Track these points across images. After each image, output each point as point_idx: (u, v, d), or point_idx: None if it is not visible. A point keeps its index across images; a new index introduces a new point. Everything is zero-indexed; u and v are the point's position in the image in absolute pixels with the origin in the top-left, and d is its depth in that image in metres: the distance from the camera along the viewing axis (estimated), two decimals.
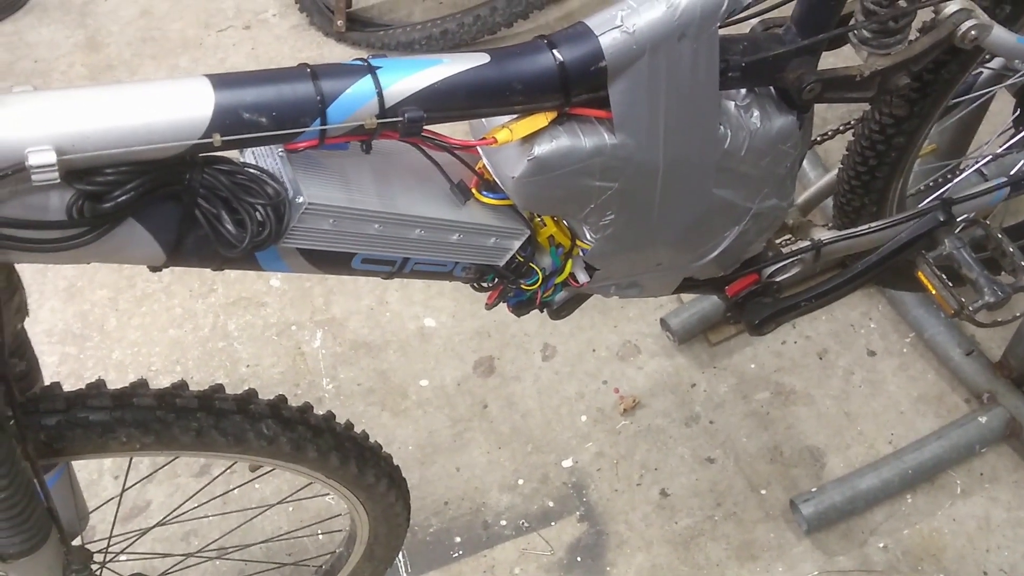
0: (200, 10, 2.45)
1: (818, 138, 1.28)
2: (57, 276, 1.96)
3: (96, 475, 1.67)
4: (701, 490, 1.65)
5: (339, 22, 2.25)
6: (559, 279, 1.00)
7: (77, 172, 0.67)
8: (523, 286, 0.97)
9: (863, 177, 1.22)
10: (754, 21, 1.00)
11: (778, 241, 1.31)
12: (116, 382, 1.76)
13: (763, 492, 1.64)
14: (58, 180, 0.65)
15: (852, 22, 0.98)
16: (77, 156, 0.66)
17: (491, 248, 0.92)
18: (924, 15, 1.00)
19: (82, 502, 1.12)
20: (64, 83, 2.32)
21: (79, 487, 1.12)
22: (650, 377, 1.78)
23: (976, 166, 1.33)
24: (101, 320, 1.92)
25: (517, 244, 0.93)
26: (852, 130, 1.26)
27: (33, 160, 0.63)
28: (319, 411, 1.60)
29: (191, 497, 1.41)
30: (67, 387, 1.72)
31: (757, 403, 1.74)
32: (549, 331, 1.83)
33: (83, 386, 0.92)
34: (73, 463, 1.07)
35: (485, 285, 1.00)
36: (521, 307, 1.03)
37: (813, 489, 1.60)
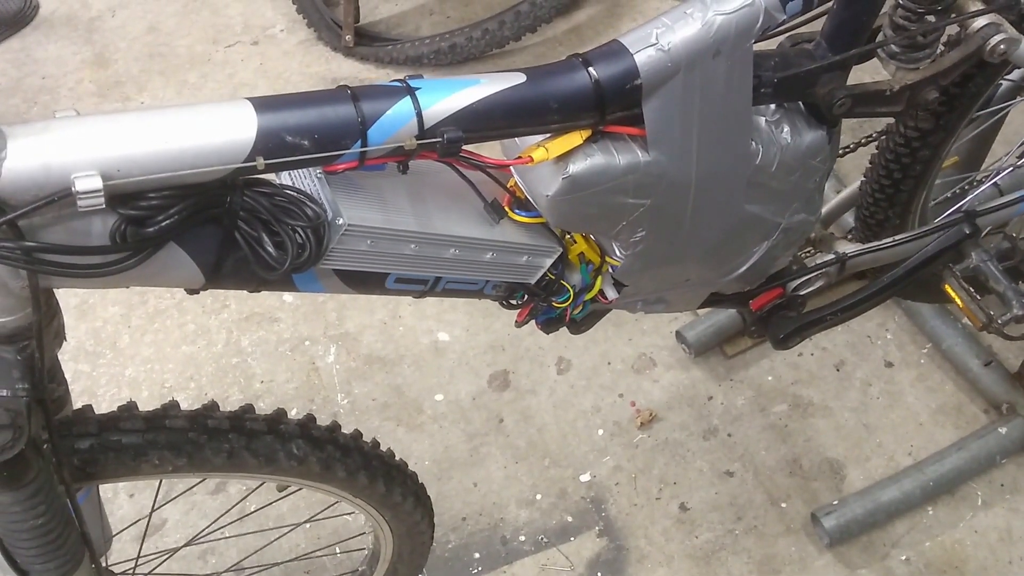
0: (208, 26, 2.45)
1: (840, 151, 1.28)
2: (68, 293, 1.95)
3: (112, 494, 1.67)
4: (721, 504, 1.64)
5: (347, 37, 2.25)
6: (589, 296, 1.00)
7: (121, 197, 0.67)
8: (554, 303, 0.96)
9: (887, 190, 1.22)
10: (782, 36, 1.00)
11: (801, 254, 1.31)
12: (131, 400, 1.74)
13: (783, 505, 1.64)
14: (104, 206, 0.64)
15: (880, 37, 0.98)
16: (123, 181, 0.65)
17: (523, 266, 0.92)
18: (950, 29, 1.00)
19: (107, 524, 1.12)
20: (72, 100, 2.32)
21: (104, 509, 1.12)
22: (666, 390, 1.78)
23: (996, 178, 1.33)
24: (114, 337, 1.91)
25: (549, 262, 0.93)
26: (874, 143, 1.26)
27: (79, 186, 0.63)
28: None
29: (216, 520, 1.40)
30: (79, 405, 1.71)
31: (775, 416, 1.74)
32: (564, 344, 1.82)
33: (115, 408, 0.92)
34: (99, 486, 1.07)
35: (515, 303, 1.00)
36: (550, 324, 1.02)
37: (834, 502, 1.59)
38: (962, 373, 1.73)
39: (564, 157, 0.84)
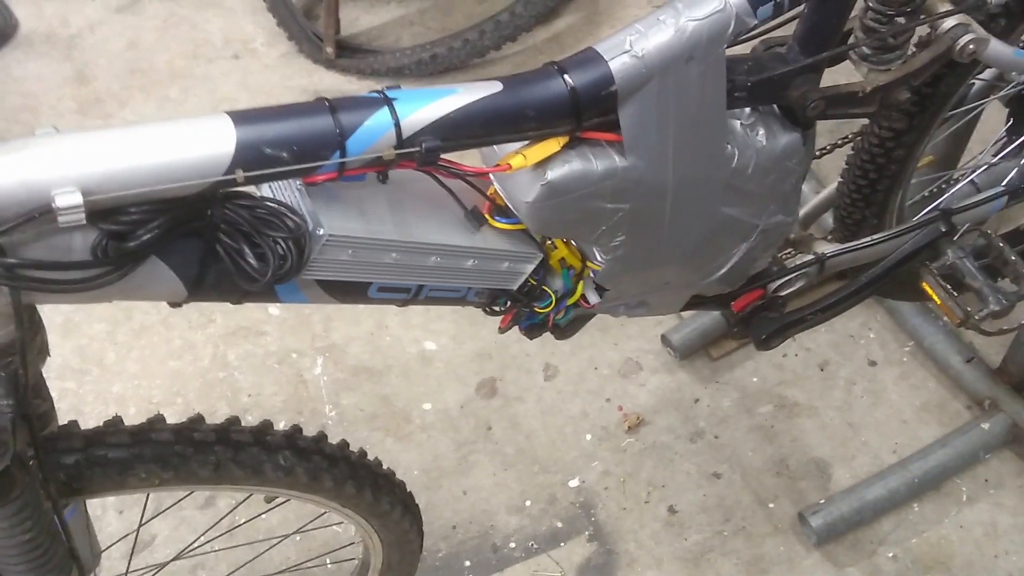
0: (187, 40, 2.45)
1: (817, 152, 1.30)
2: (54, 311, 1.95)
3: (100, 511, 1.66)
4: (709, 506, 1.65)
5: (328, 49, 2.26)
6: (571, 301, 1.00)
7: (101, 212, 0.68)
8: (536, 309, 0.97)
9: (864, 190, 1.24)
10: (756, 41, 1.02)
11: (781, 255, 1.32)
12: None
13: (771, 506, 1.65)
14: (84, 221, 0.65)
15: (852, 39, 1.00)
16: (102, 197, 0.66)
17: (505, 272, 0.93)
18: (921, 30, 1.01)
19: (95, 540, 1.12)
20: (54, 117, 2.32)
21: (92, 524, 1.12)
22: (653, 394, 1.79)
23: (971, 176, 1.35)
24: (100, 354, 1.91)
25: (530, 268, 0.94)
26: (850, 144, 1.27)
27: (59, 202, 0.63)
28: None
29: (204, 532, 1.40)
30: (65, 422, 1.70)
31: (761, 417, 1.75)
32: (550, 351, 1.83)
33: (101, 423, 0.92)
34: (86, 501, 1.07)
35: (498, 309, 1.00)
36: (533, 330, 1.03)
37: (821, 501, 1.60)
38: (944, 370, 1.75)
39: (542, 164, 0.84)
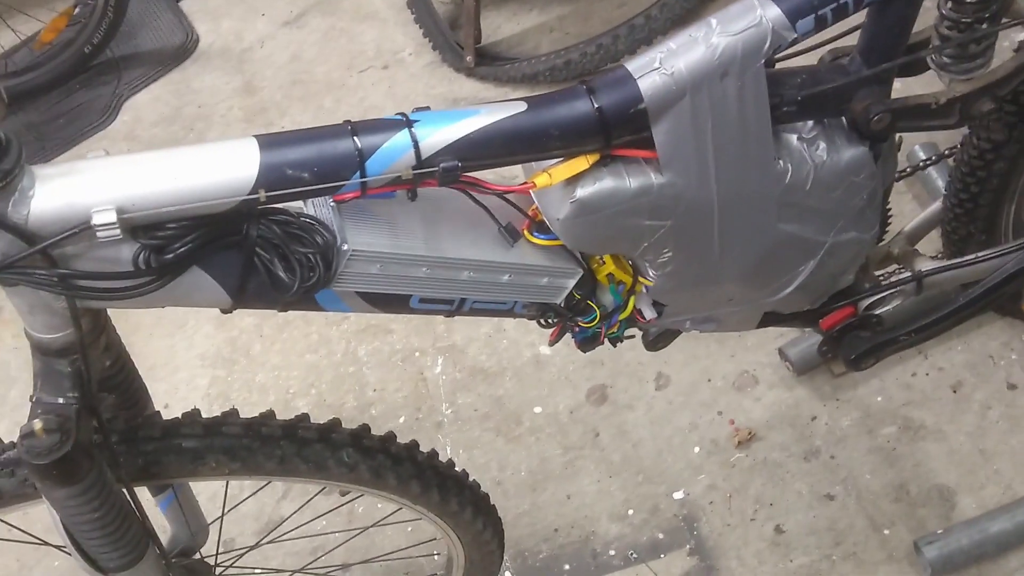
0: (344, 52, 2.59)
1: (920, 164, 1.22)
2: None
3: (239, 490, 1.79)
4: (819, 528, 1.59)
5: (468, 58, 2.32)
6: (623, 316, 1.00)
7: (141, 227, 0.75)
8: (581, 323, 0.98)
9: (966, 205, 1.16)
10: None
11: (881, 273, 1.25)
12: (259, 403, 1.88)
13: (886, 532, 1.56)
14: (120, 236, 0.73)
15: (929, 47, 0.94)
16: (137, 214, 0.73)
17: (545, 287, 0.94)
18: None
19: (199, 519, 1.22)
20: (223, 126, 2.52)
21: (197, 505, 1.22)
22: (768, 409, 1.73)
23: None
24: (247, 345, 2.06)
25: (571, 283, 0.95)
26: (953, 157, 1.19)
27: (97, 219, 0.71)
28: (440, 435, 1.66)
29: (309, 522, 1.49)
30: (216, 407, 1.85)
31: (883, 438, 1.66)
32: (663, 360, 1.81)
33: (179, 415, 1.01)
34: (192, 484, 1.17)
35: (550, 321, 1.02)
36: (587, 343, 1.04)
37: (939, 531, 1.50)
38: None
39: (573, 181, 0.85)
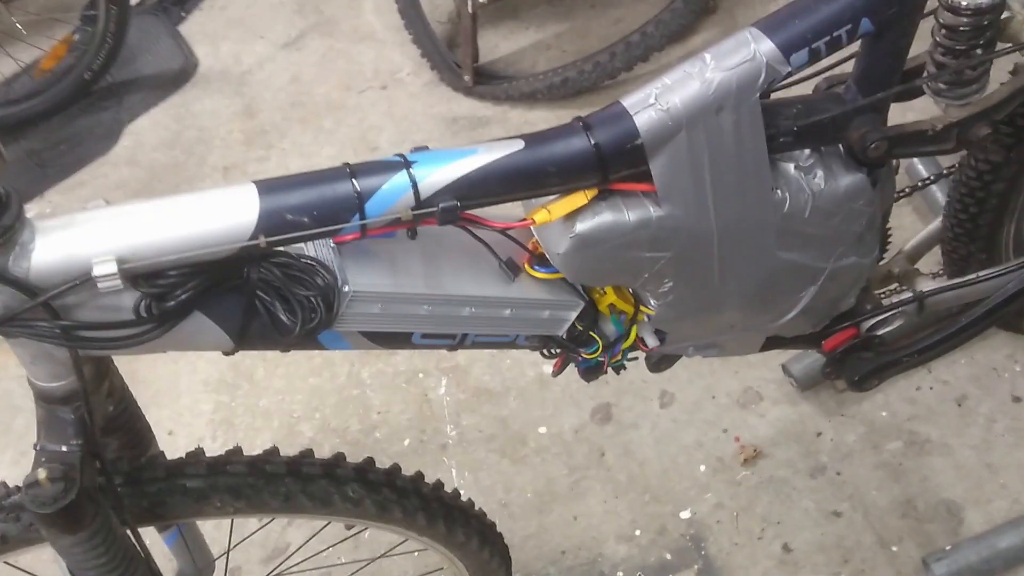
0: (343, 73, 2.60)
1: (919, 183, 1.22)
2: None
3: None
4: (827, 545, 1.58)
5: (466, 77, 2.33)
6: (625, 345, 1.01)
7: (142, 276, 0.75)
8: (584, 355, 0.98)
9: (965, 225, 1.16)
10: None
11: (881, 292, 1.25)
12: (262, 428, 1.87)
13: (894, 549, 1.56)
14: (121, 286, 0.73)
15: (925, 74, 0.94)
16: (138, 264, 0.74)
17: (546, 320, 0.94)
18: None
19: (205, 554, 1.22)
20: (223, 149, 2.52)
21: (202, 540, 1.22)
22: (773, 425, 1.73)
23: None
24: (251, 370, 2.06)
25: (573, 315, 0.95)
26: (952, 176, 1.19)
27: (97, 271, 0.72)
28: (445, 457, 1.65)
29: (315, 555, 1.49)
30: (220, 433, 1.84)
31: (889, 453, 1.66)
32: (667, 378, 1.81)
33: (183, 455, 1.01)
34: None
35: (553, 352, 1.02)
36: (590, 372, 1.04)
37: (947, 547, 1.50)
38: None
39: (572, 216, 0.86)
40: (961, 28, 0.88)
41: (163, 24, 2.89)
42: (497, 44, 2.52)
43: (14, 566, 1.08)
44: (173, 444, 1.90)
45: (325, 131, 2.47)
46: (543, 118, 2.33)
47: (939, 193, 1.73)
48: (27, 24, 2.75)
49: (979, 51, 0.90)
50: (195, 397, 2.05)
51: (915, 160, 1.78)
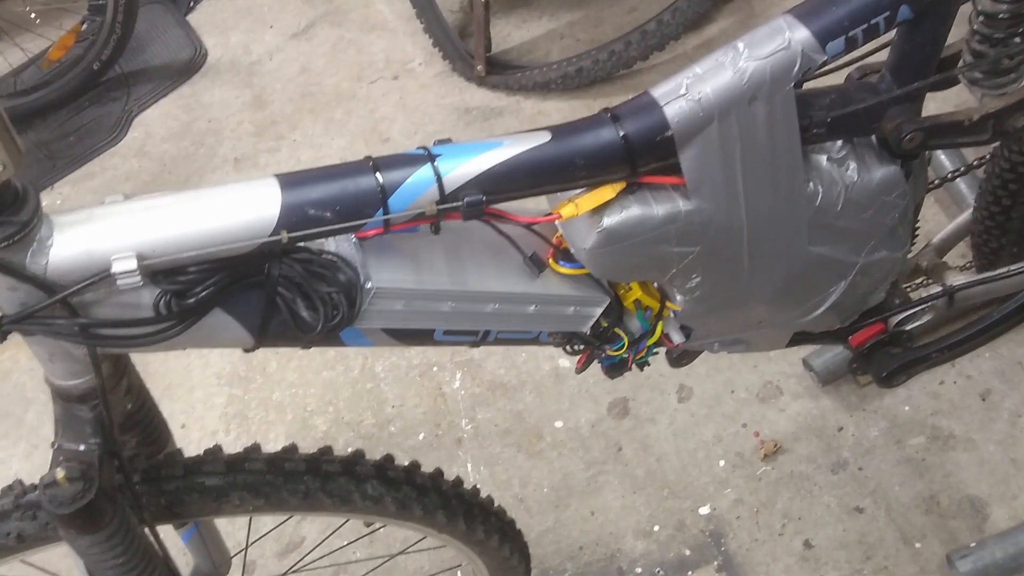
0: (353, 63, 2.58)
1: (948, 175, 1.20)
2: None
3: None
4: (849, 542, 1.56)
5: (479, 67, 2.30)
6: (650, 341, 0.98)
7: (161, 273, 0.73)
8: (608, 352, 0.96)
9: (997, 217, 1.13)
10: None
11: (909, 286, 1.23)
12: (276, 422, 1.85)
13: (917, 545, 1.54)
14: (141, 283, 0.71)
15: (961, 63, 0.92)
16: (158, 260, 0.72)
17: (571, 316, 0.92)
18: None
19: (222, 551, 1.21)
20: (233, 140, 2.50)
21: (219, 536, 1.21)
22: (793, 420, 1.71)
23: None
24: (264, 364, 2.05)
25: (598, 311, 0.93)
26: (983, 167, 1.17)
27: (116, 267, 0.70)
28: (460, 452, 1.64)
29: (332, 552, 1.48)
30: (233, 426, 1.82)
31: (912, 448, 1.63)
32: (685, 371, 1.78)
33: (202, 452, 0.99)
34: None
35: (577, 348, 1.00)
36: (614, 369, 1.02)
37: (972, 544, 1.48)
38: None
39: (600, 210, 0.83)
40: (1000, 16, 0.85)
41: (172, 14, 2.87)
42: (510, 33, 2.49)
43: (32, 565, 1.06)
44: (186, 438, 1.88)
45: (336, 122, 2.45)
46: (557, 108, 2.30)
47: (963, 186, 1.70)
48: (35, 14, 2.73)
49: (1018, 40, 0.87)
50: (208, 390, 2.03)
51: (938, 151, 1.75)
